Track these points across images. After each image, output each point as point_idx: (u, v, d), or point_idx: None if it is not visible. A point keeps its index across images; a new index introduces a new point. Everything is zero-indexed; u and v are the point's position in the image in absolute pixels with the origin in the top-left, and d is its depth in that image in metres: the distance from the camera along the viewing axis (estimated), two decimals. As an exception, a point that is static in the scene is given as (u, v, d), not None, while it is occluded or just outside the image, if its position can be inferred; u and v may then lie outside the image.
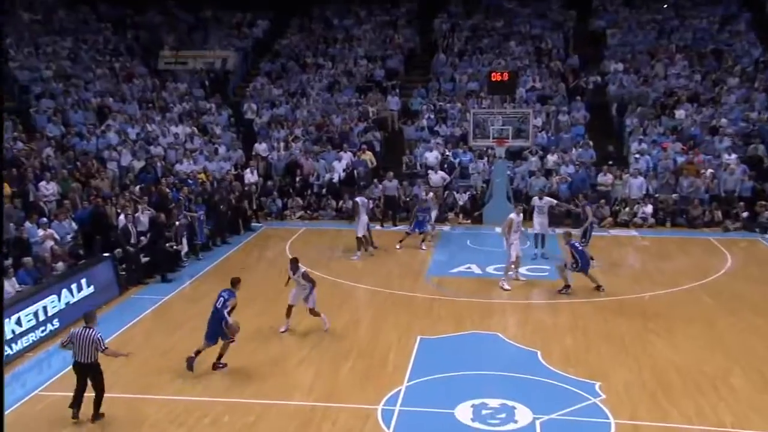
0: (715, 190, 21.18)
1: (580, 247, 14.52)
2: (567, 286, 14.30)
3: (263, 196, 22.94)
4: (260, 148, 24.66)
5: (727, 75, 26.14)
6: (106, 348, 9.30)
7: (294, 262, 12.47)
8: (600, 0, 31.97)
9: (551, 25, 30.98)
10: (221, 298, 10.89)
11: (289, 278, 12.62)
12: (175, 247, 16.35)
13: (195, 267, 16.83)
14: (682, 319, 12.95)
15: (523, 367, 10.86)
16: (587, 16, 31.65)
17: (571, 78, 27.67)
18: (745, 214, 20.37)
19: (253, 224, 21.26)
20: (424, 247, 18.38)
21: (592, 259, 16.66)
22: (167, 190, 18.81)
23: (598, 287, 14.39)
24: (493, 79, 22.85)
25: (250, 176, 22.90)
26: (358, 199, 18.27)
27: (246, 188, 21.90)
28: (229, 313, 10.83)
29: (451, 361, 11.02)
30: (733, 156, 21.77)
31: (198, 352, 10.75)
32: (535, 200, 17.75)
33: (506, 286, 14.68)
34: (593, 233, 17.38)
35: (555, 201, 17.98)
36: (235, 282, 11.21)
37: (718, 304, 13.76)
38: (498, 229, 18.10)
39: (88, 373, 9.30)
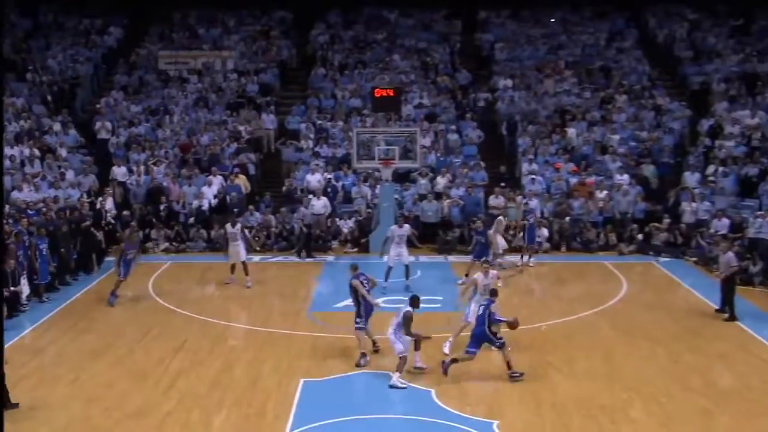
0: (610, 212, 22.39)
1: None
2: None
3: (124, 227, 22.07)
4: (119, 171, 23.78)
5: (616, 93, 27.86)
6: None
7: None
8: (486, 12, 33.33)
9: (437, 38, 31.95)
10: (481, 306, 12.33)
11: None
12: (11, 289, 15.37)
13: (38, 311, 15.90)
14: (580, 349, 13.52)
15: (416, 408, 10.95)
16: (474, 29, 32.90)
17: (460, 95, 28.58)
18: (640, 237, 21.64)
19: (108, 259, 20.40)
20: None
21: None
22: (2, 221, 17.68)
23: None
24: (377, 95, 23.20)
25: (106, 204, 21.98)
26: (393, 228, 17.66)
27: (102, 218, 21.00)
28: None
29: (339, 406, 10.96)
30: (626, 176, 23.14)
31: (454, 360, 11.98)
32: (395, 229, 17.61)
33: (445, 349, 13.01)
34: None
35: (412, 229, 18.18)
36: (494, 292, 12.70)
37: (615, 333, 14.48)
38: (385, 258, 18.26)
39: None
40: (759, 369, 12.57)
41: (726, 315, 15.18)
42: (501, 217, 19.41)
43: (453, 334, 13.22)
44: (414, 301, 12.06)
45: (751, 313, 15.48)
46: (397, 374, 11.73)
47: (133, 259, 16.85)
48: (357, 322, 12.89)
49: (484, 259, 15.51)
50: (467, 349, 12.09)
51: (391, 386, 11.65)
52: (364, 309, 12.87)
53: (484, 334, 12.03)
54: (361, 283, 12.95)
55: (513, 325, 12.28)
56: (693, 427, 10.38)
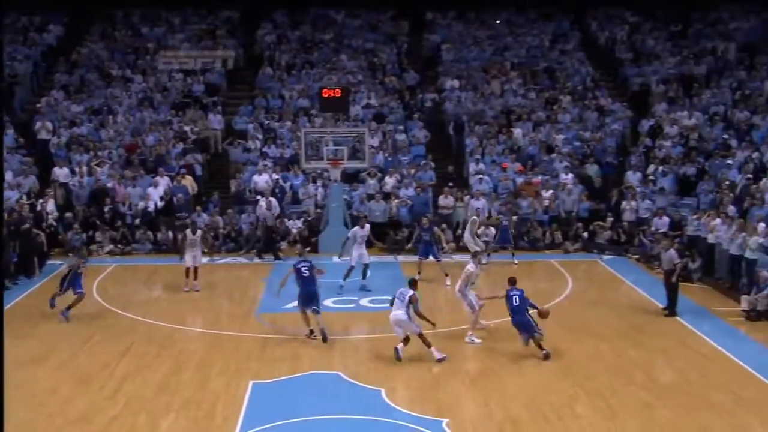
0: (555, 211, 22.76)
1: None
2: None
3: (66, 229, 21.60)
4: (61, 173, 23.24)
5: (560, 93, 28.34)
6: None
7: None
8: (433, 13, 33.57)
9: (384, 39, 32.04)
10: (516, 296, 13.09)
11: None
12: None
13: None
14: (528, 347, 13.69)
15: (366, 408, 10.98)
16: (421, 30, 33.11)
17: (408, 95, 28.71)
18: (585, 235, 22.06)
19: (50, 262, 19.93)
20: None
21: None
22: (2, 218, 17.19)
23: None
24: (325, 96, 23.14)
25: (47, 206, 21.46)
26: (355, 229, 17.74)
27: (43, 221, 20.51)
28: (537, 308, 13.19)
29: (288, 407, 10.93)
30: (570, 176, 23.55)
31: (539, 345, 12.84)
32: (357, 230, 17.71)
33: (476, 340, 13.89)
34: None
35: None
36: (514, 280, 13.53)
37: (561, 330, 14.68)
38: (336, 258, 18.28)
39: None
40: (698, 363, 12.94)
41: (667, 311, 15.60)
42: (475, 217, 19.39)
43: (471, 328, 13.96)
44: (414, 284, 13.07)
45: (691, 309, 15.92)
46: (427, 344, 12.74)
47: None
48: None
49: (475, 251, 16.08)
50: (536, 333, 13.03)
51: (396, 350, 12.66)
52: (299, 293, 13.77)
53: (527, 322, 13.04)
54: (299, 270, 13.74)
55: (543, 314, 13.30)
56: (636, 421, 10.63)
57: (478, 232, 20.42)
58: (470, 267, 14.14)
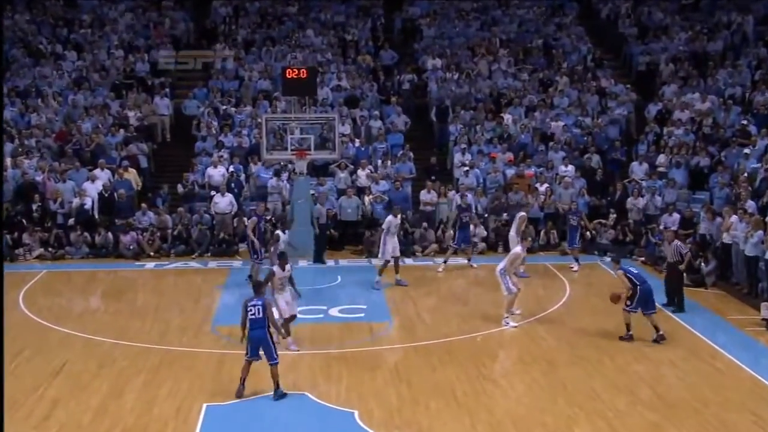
0: (552, 208, 22.86)
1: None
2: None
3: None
4: (-22, 165, 23.07)
5: (557, 74, 28.50)
6: None
7: None
8: (412, -16, 33.67)
9: (356, 12, 32.10)
10: (632, 268, 15.04)
11: None
12: None
13: None
14: (520, 361, 13.83)
15: (337, 433, 10.97)
16: (398, 2, 33.16)
17: (383, 76, 28.72)
18: (588, 234, 22.19)
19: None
20: None
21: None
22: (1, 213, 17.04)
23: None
24: (289, 77, 23.11)
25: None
26: (390, 218, 18.56)
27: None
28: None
29: (248, 434, 10.87)
30: (570, 168, 23.68)
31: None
32: (391, 219, 18.41)
33: (512, 323, 15.57)
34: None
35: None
36: (618, 259, 15.48)
37: (558, 342, 14.82)
38: (303, 262, 18.30)
39: None
40: (711, 378, 13.08)
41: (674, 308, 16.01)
42: (523, 213, 18.72)
43: (506, 310, 15.61)
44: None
45: (704, 317, 16.13)
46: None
47: None
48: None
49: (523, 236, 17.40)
50: (649, 311, 14.55)
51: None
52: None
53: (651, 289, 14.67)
54: (247, 309, 12.06)
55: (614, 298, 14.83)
56: (642, 444, 10.75)
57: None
58: (518, 249, 16.01)
